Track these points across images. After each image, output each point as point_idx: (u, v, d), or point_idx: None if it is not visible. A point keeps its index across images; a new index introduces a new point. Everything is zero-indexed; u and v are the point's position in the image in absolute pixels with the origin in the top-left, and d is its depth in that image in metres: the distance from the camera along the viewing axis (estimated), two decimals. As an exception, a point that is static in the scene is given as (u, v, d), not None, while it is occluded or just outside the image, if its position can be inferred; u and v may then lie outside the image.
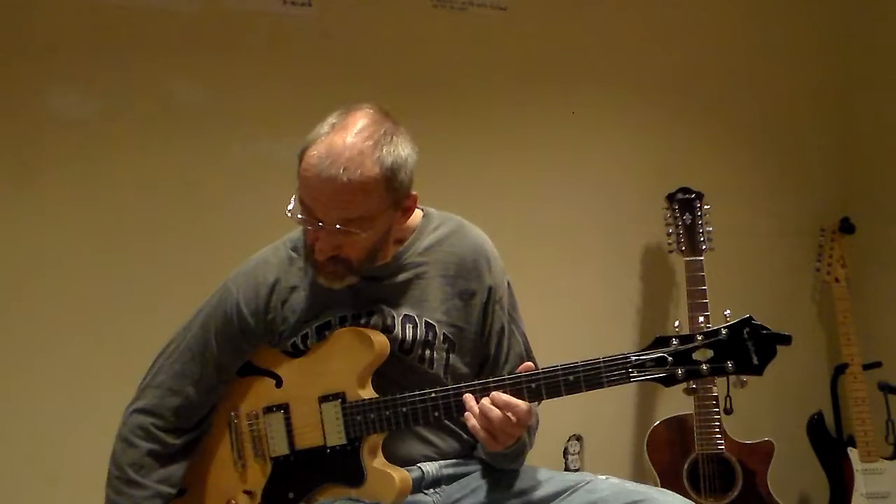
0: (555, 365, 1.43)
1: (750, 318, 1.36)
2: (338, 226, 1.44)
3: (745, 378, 1.37)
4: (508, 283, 1.70)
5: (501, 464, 1.60)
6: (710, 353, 1.36)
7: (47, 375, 2.28)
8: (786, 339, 1.36)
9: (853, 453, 2.73)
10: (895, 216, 2.99)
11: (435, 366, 1.60)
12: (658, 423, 2.69)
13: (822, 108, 3.17)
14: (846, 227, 2.94)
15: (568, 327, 2.72)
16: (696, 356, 1.37)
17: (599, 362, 1.41)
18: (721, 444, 2.61)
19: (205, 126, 2.45)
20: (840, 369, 2.82)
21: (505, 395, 1.41)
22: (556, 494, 1.54)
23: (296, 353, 1.61)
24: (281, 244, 1.68)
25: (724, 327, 1.37)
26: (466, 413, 1.43)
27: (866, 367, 2.79)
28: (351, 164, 1.41)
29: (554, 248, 2.74)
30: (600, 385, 1.41)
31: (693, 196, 2.74)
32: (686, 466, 2.63)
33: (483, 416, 1.41)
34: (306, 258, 1.60)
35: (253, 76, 2.49)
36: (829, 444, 2.79)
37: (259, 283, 1.63)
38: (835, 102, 3.17)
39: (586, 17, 2.89)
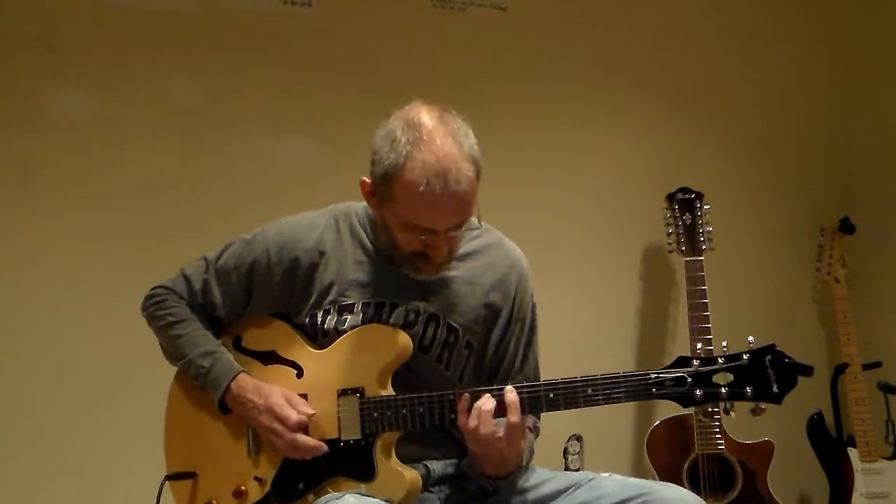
0: (574, 377, 1.43)
1: (773, 346, 1.36)
2: (452, 231, 1.48)
3: (763, 406, 1.36)
4: (533, 307, 1.70)
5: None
6: (730, 378, 1.36)
7: (47, 372, 2.29)
8: (807, 371, 1.35)
9: (853, 453, 2.73)
10: (895, 216, 2.99)
11: (452, 368, 1.61)
12: (658, 423, 2.68)
13: (822, 108, 3.16)
14: (846, 227, 2.93)
15: (568, 327, 2.71)
16: (715, 379, 1.36)
17: (619, 376, 1.41)
18: (721, 444, 2.61)
19: (205, 126, 2.45)
20: (840, 369, 2.82)
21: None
22: (561, 491, 1.55)
23: (313, 330, 1.60)
24: (326, 212, 1.67)
25: (746, 353, 1.36)
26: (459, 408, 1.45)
27: (866, 366, 2.79)
28: (459, 173, 1.42)
29: (554, 249, 2.73)
30: (619, 400, 1.41)
31: (693, 196, 2.74)
32: (686, 466, 2.63)
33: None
34: (378, 250, 1.61)
35: (253, 76, 2.49)
36: (829, 444, 2.78)
37: (296, 237, 1.62)
38: (835, 102, 3.17)
39: (586, 18, 2.89)
